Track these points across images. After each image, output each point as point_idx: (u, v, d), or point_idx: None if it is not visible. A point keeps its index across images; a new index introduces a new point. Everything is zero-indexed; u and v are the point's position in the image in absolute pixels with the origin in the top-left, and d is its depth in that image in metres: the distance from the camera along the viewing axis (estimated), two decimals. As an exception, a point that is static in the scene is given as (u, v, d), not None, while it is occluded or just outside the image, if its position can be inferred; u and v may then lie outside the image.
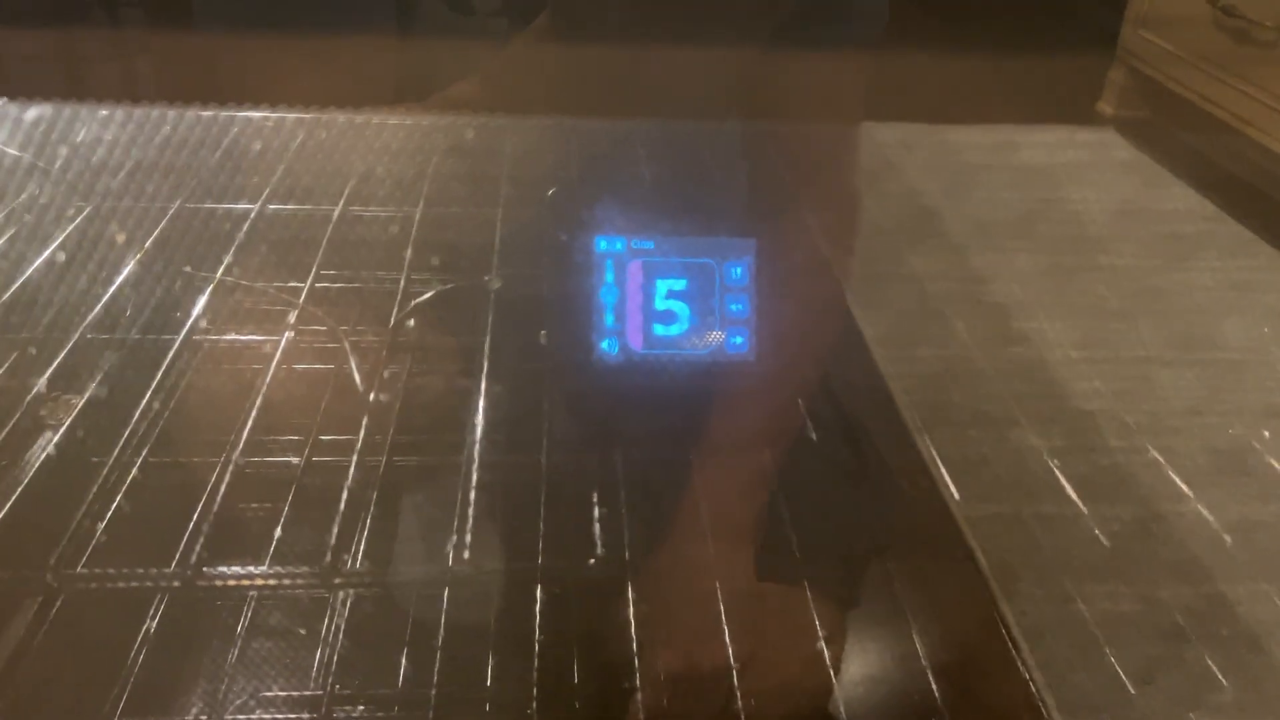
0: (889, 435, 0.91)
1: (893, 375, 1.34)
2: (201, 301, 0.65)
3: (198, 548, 0.52)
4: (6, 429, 0.58)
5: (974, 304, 1.53)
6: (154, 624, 0.55)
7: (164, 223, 0.68)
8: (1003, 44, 2.46)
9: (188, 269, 0.67)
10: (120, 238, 0.64)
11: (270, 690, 0.60)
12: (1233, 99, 1.90)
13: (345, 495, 0.56)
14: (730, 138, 0.72)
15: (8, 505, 0.54)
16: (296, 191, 0.70)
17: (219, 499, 0.55)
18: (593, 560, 0.55)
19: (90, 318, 0.62)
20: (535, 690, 0.57)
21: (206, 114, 0.63)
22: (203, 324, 0.64)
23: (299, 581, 0.55)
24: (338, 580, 0.55)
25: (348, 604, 0.60)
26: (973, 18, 2.29)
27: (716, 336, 0.52)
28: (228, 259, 0.67)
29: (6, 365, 0.61)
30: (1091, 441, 1.27)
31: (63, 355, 0.61)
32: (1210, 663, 0.98)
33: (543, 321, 0.60)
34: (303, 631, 0.60)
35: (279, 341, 0.63)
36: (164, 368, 0.61)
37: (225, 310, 0.65)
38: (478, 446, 0.58)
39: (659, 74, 0.62)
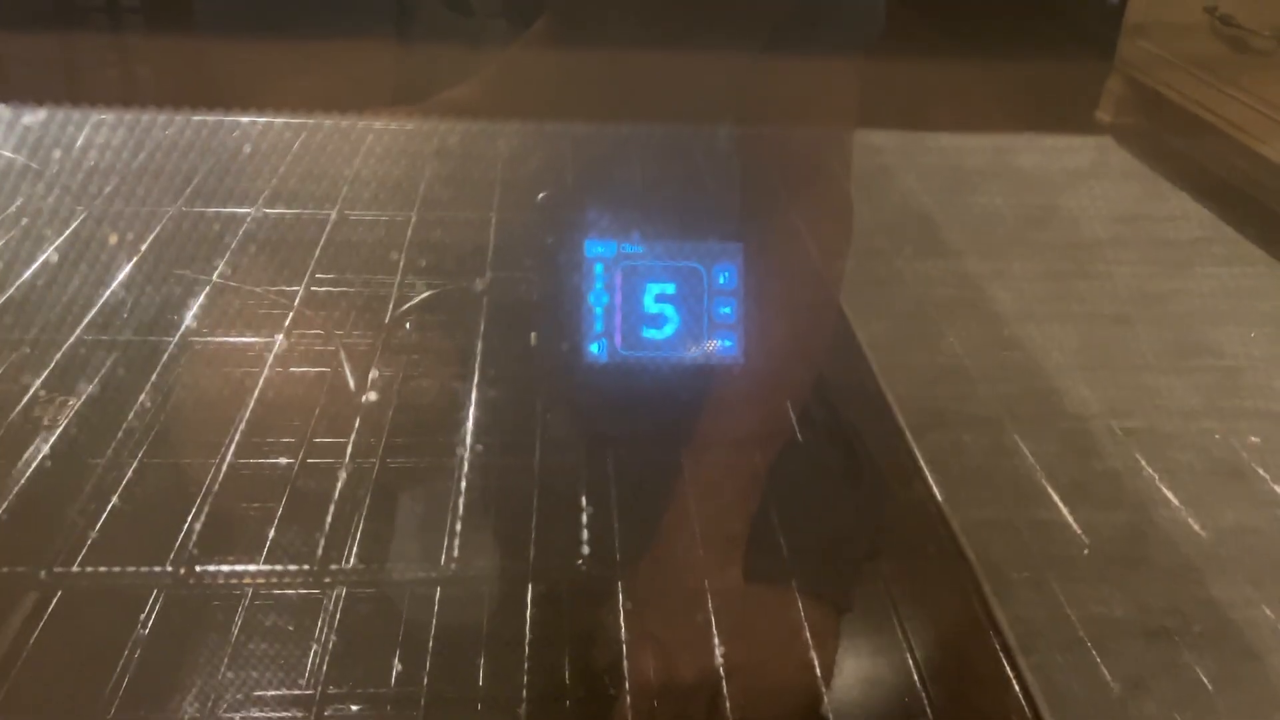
0: (882, 439, 0.91)
1: (887, 380, 1.34)
2: (196, 304, 0.65)
3: (192, 546, 0.53)
4: (2, 429, 0.58)
5: (969, 310, 1.53)
6: (149, 622, 0.55)
7: (159, 226, 0.68)
8: (1000, 52, 2.47)
9: (182, 271, 0.68)
10: (113, 239, 0.65)
11: (263, 689, 0.60)
12: (1230, 107, 1.90)
13: (338, 496, 0.56)
14: (724, 143, 0.73)
15: (4, 504, 0.54)
16: (292, 195, 0.71)
17: (213, 499, 0.55)
18: (582, 561, 0.55)
19: (86, 320, 0.63)
20: (525, 690, 0.58)
21: (202, 119, 0.64)
22: (197, 326, 0.65)
23: (292, 581, 0.56)
24: (330, 580, 0.56)
25: (340, 604, 0.60)
26: (971, 25, 2.30)
27: (705, 340, 0.53)
28: (223, 262, 0.67)
29: (3, 367, 0.62)
30: (1085, 447, 1.27)
31: (58, 357, 0.61)
32: (1200, 668, 0.98)
33: (533, 324, 0.60)
34: (302, 629, 0.60)
35: (273, 344, 0.64)
36: (158, 369, 0.61)
37: (220, 313, 0.66)
38: (469, 448, 0.58)
39: (656, 78, 0.62)
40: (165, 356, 0.62)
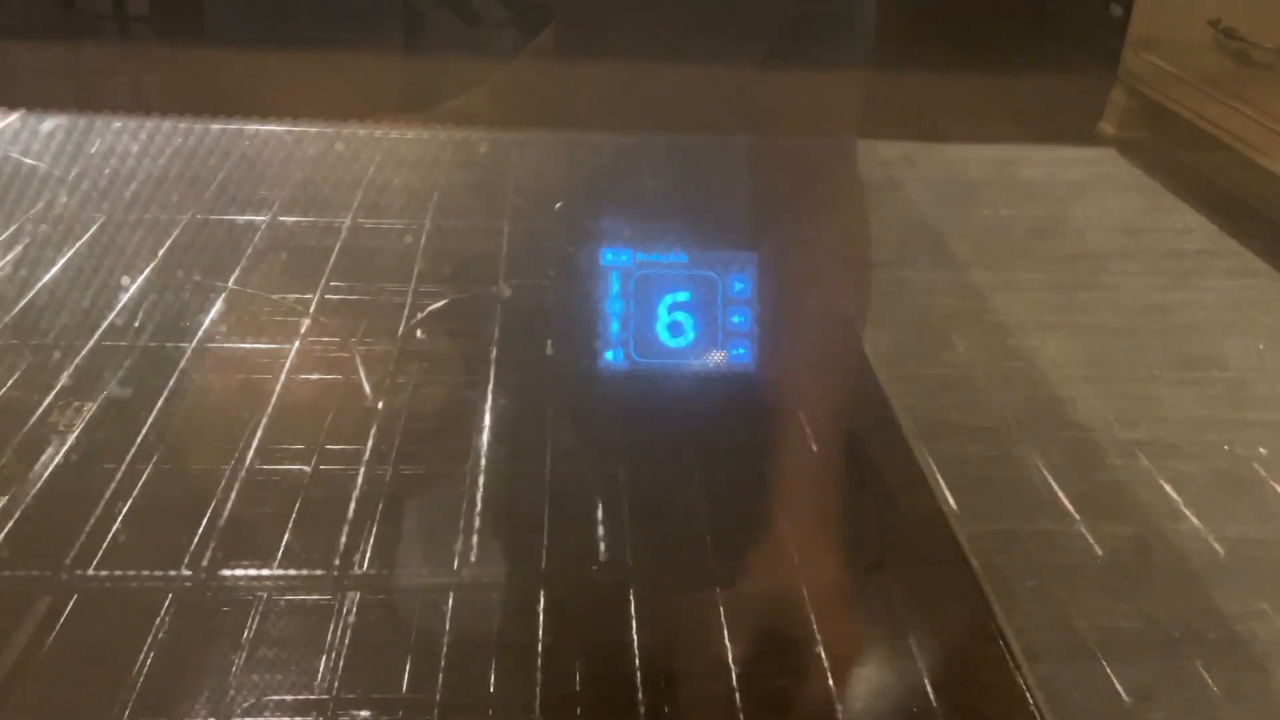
0: (889, 449, 0.92)
1: (894, 391, 1.34)
2: (213, 311, 0.66)
3: (207, 551, 0.53)
4: (22, 433, 0.59)
5: (975, 321, 1.54)
6: (163, 626, 0.56)
7: (177, 233, 0.69)
8: (1005, 64, 2.48)
9: (199, 278, 0.68)
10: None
11: (276, 693, 0.60)
12: (1234, 120, 1.91)
13: (352, 502, 0.56)
14: (738, 153, 0.74)
15: (22, 506, 0.55)
16: (307, 203, 0.71)
17: (228, 504, 0.56)
18: (595, 568, 0.56)
19: (104, 325, 0.64)
20: (538, 696, 0.58)
21: (219, 127, 0.65)
22: (214, 332, 0.65)
23: (306, 586, 0.56)
24: (344, 586, 0.56)
25: (354, 609, 0.61)
26: (976, 37, 2.31)
27: (718, 348, 0.53)
28: (239, 269, 0.68)
29: (22, 370, 0.62)
30: (1091, 458, 1.27)
31: (77, 361, 0.62)
32: (1209, 680, 0.98)
33: (549, 332, 0.61)
34: (314, 634, 0.60)
35: (289, 350, 0.64)
36: (176, 375, 0.62)
37: (236, 319, 0.66)
38: (483, 455, 0.59)
39: (661, 89, 0.63)
40: (182, 362, 0.62)
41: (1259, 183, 1.87)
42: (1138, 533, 1.14)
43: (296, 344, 0.65)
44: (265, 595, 0.60)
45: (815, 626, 0.61)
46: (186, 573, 0.53)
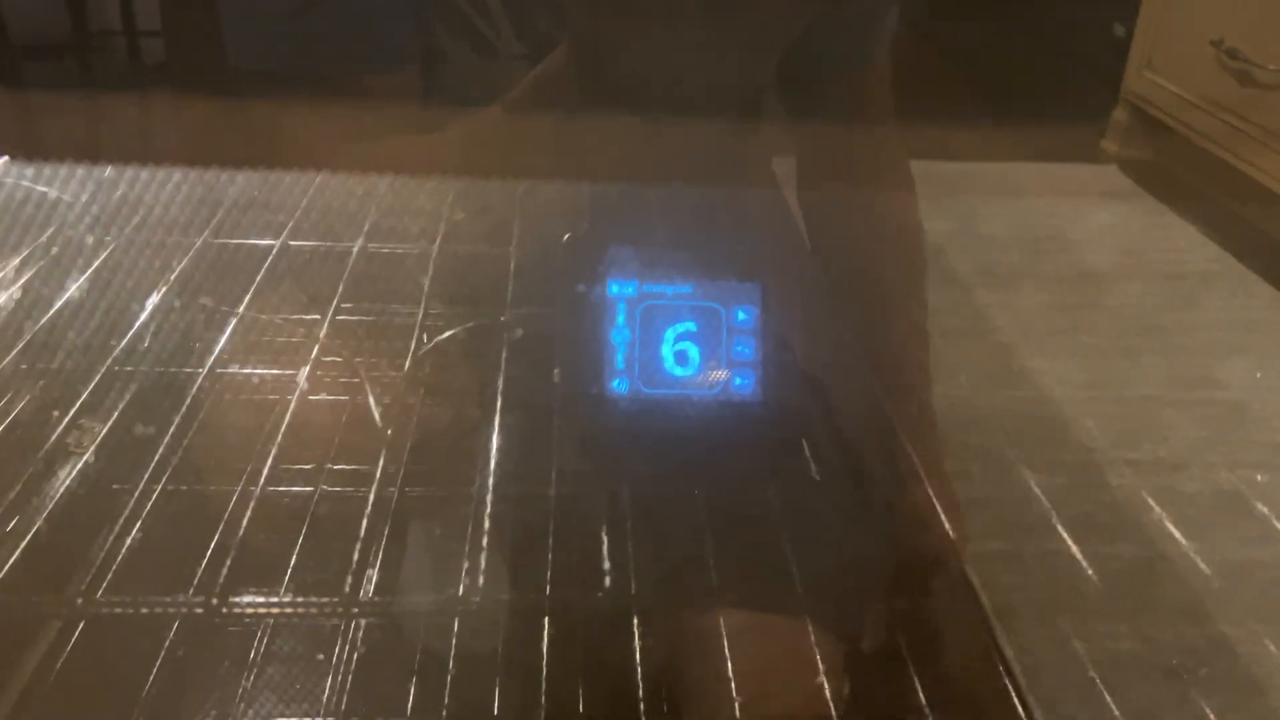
0: (891, 472, 0.92)
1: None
2: (224, 335, 0.66)
3: (217, 575, 0.54)
4: (34, 458, 0.59)
5: (977, 341, 1.54)
6: (172, 649, 0.56)
7: (188, 257, 0.70)
8: (1008, 82, 2.49)
9: (208, 302, 0.69)
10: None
11: (282, 715, 0.61)
12: (1236, 139, 1.92)
13: (360, 525, 0.57)
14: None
15: (33, 531, 0.56)
16: (318, 228, 0.72)
17: (237, 528, 0.56)
18: (600, 593, 0.56)
19: (116, 350, 0.64)
20: (542, 719, 0.58)
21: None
22: (224, 356, 0.66)
23: (313, 610, 0.57)
24: (350, 609, 0.57)
25: (360, 631, 0.61)
26: (978, 56, 2.33)
27: (722, 376, 0.54)
28: (250, 293, 0.69)
29: (34, 394, 0.63)
30: (1092, 480, 1.27)
31: (90, 386, 0.63)
32: (1208, 705, 0.99)
33: (555, 360, 0.61)
34: (320, 656, 0.61)
35: (298, 374, 0.65)
36: (187, 400, 0.62)
37: (246, 343, 0.67)
38: (490, 479, 0.59)
39: (676, 138, 0.64)
40: (194, 387, 0.63)
41: (1261, 202, 1.88)
42: (1138, 555, 1.14)
43: (306, 368, 0.66)
44: (273, 617, 0.61)
45: (817, 651, 0.61)
46: (196, 598, 0.53)
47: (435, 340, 0.66)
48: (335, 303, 0.69)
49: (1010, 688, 0.86)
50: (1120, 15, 2.30)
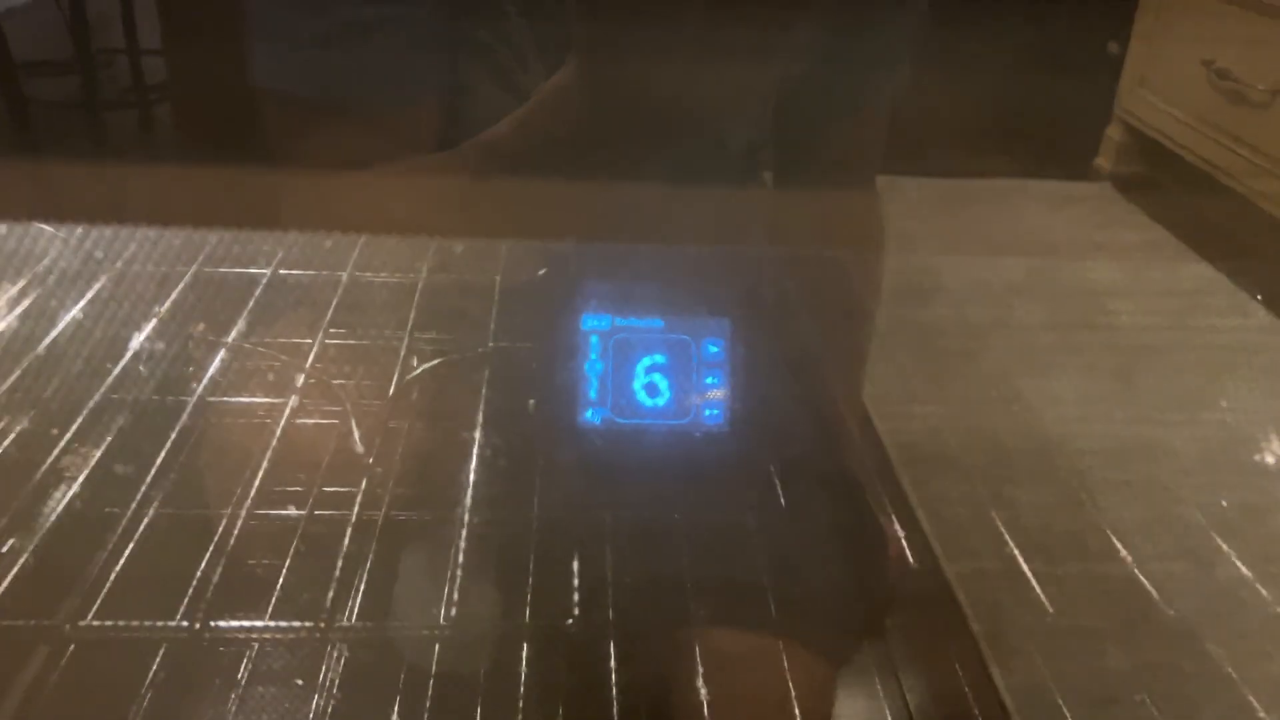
0: (881, 491, 0.93)
1: (887, 431, 1.36)
2: (214, 362, 0.68)
3: (202, 600, 0.55)
4: (27, 484, 0.61)
5: (970, 361, 1.55)
6: (159, 673, 0.57)
7: (180, 287, 0.71)
8: (1002, 99, 2.51)
9: (199, 330, 0.71)
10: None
11: (267, 737, 0.62)
12: (1227, 159, 1.93)
13: (344, 550, 0.58)
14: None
15: (24, 556, 0.57)
16: (307, 256, 0.74)
17: (223, 553, 0.58)
18: (571, 620, 0.57)
19: (110, 377, 0.66)
20: (520, 741, 0.59)
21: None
22: (215, 384, 0.67)
23: (298, 634, 0.58)
24: (335, 634, 0.58)
25: (343, 655, 0.62)
26: (973, 73, 2.34)
27: (694, 406, 0.55)
28: (240, 321, 0.70)
29: (28, 421, 0.65)
30: (1084, 500, 1.28)
31: (83, 414, 0.64)
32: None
33: (533, 390, 0.63)
34: (300, 682, 0.62)
35: (286, 401, 0.66)
36: (177, 426, 0.64)
37: (236, 370, 0.68)
38: (470, 505, 0.61)
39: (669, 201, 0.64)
40: (184, 414, 0.64)
41: (1253, 220, 1.89)
42: (1129, 575, 1.15)
43: (293, 394, 0.67)
44: (258, 641, 0.62)
45: (794, 674, 0.62)
46: (182, 624, 0.55)
47: (417, 366, 0.67)
48: (324, 329, 0.70)
49: (999, 708, 0.87)
50: (1114, 33, 2.32)
